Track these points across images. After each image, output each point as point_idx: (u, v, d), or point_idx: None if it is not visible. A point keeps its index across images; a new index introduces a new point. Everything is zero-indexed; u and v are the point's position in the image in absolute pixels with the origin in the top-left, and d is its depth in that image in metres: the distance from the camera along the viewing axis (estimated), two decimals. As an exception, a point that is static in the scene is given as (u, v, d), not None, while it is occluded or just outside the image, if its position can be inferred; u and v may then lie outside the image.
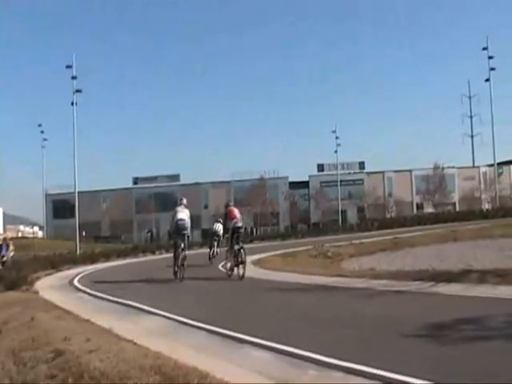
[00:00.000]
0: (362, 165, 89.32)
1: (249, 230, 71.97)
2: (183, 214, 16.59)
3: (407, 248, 28.55)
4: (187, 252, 16.71)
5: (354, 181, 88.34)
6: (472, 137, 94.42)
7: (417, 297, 10.38)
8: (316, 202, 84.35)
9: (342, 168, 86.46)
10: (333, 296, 11.68)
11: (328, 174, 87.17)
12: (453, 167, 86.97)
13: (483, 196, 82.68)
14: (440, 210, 74.84)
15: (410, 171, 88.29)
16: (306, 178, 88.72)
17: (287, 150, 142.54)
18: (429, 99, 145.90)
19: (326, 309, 9.85)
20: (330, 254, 26.96)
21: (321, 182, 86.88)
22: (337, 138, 79.22)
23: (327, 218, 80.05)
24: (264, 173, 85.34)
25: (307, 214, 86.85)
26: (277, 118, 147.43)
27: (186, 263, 16.21)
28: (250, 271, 19.41)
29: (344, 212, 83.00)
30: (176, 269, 16.25)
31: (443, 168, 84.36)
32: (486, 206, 77.26)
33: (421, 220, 60.21)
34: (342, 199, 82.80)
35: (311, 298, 11.53)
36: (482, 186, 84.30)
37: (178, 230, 16.40)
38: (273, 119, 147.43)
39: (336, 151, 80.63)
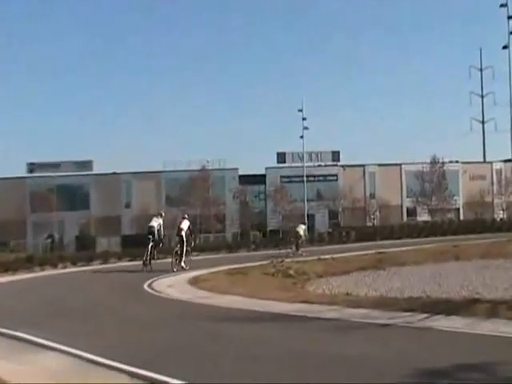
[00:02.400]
0: (336, 155, 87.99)
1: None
2: (154, 223, 29.24)
3: (394, 267, 28.88)
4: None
5: (325, 176, 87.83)
6: (483, 122, 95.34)
7: (405, 333, 10.51)
8: (275, 202, 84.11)
9: (310, 159, 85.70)
10: (294, 329, 11.71)
11: (291, 167, 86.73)
12: (456, 162, 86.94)
13: (496, 201, 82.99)
14: (438, 218, 75.33)
15: (400, 165, 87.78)
16: (261, 171, 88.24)
17: (237, 133, 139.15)
18: (424, 71, 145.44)
19: (284, 346, 9.85)
20: (291, 272, 27.07)
21: (281, 177, 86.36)
22: (304, 119, 76.78)
23: (289, 224, 79.94)
24: (207, 162, 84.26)
25: (263, 218, 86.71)
26: (225, 93, 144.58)
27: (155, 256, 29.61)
28: (186, 293, 19.41)
29: (311, 217, 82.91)
30: (145, 260, 28.85)
31: (443, 163, 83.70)
32: (500, 215, 78.13)
33: (413, 230, 61.05)
34: (309, 200, 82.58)
35: (265, 332, 11.54)
36: (495, 187, 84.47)
37: (147, 233, 29.20)
38: (218, 94, 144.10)
39: (302, 136, 78.86)
